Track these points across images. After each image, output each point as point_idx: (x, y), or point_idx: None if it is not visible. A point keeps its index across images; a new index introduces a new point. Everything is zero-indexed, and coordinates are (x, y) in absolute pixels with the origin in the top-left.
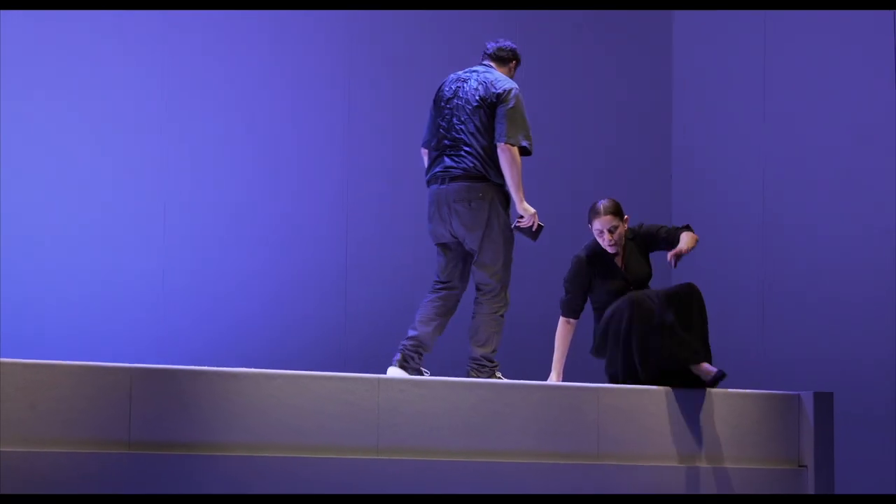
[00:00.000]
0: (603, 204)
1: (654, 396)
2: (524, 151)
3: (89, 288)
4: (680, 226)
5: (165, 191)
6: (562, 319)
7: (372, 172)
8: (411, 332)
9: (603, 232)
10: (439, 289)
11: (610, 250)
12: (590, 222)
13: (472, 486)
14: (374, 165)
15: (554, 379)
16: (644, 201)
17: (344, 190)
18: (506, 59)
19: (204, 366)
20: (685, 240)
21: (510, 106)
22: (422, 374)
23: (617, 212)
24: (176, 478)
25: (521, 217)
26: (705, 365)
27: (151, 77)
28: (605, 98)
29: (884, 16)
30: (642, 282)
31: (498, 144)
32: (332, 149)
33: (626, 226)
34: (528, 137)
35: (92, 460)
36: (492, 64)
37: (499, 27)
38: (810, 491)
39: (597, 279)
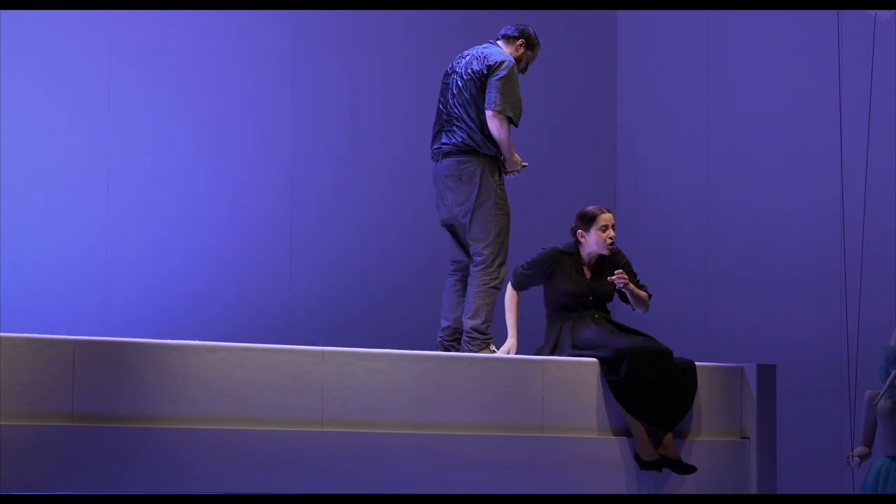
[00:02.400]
0: (598, 205)
1: (597, 369)
2: (510, 122)
3: (33, 261)
4: (642, 286)
5: (110, 165)
6: (511, 289)
7: (318, 150)
8: (444, 323)
9: (608, 227)
10: (454, 270)
11: (606, 251)
12: (588, 224)
13: (416, 459)
14: (319, 143)
15: (513, 344)
16: (589, 179)
17: (290, 165)
18: (512, 37)
19: (148, 338)
20: (636, 289)
21: (501, 75)
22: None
23: (613, 215)
24: (119, 450)
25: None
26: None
27: (97, 54)
28: (549, 75)
29: None
30: (603, 296)
31: (486, 111)
32: (278, 126)
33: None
34: (514, 110)
35: (35, 432)
36: (498, 42)
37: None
38: (753, 462)
39: (560, 276)
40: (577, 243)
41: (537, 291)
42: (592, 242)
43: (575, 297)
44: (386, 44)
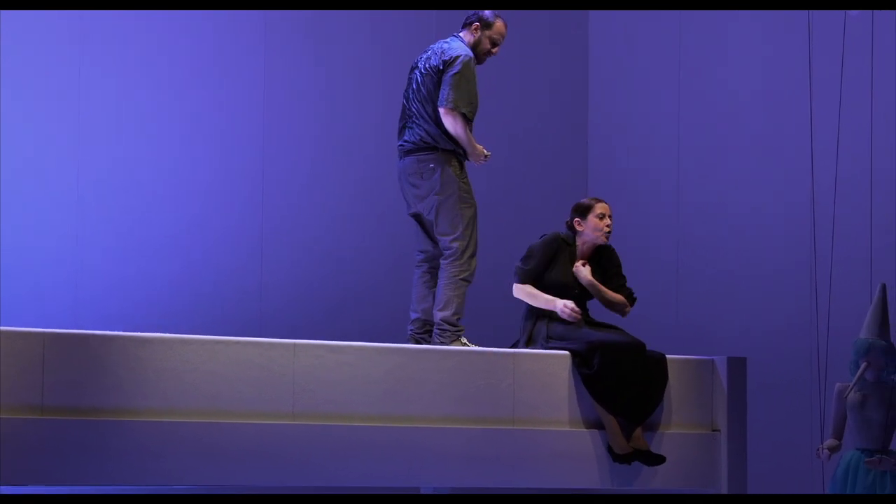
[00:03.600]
0: (595, 196)
1: (568, 362)
2: (464, 118)
3: (2, 254)
4: (626, 290)
5: (79, 158)
6: (518, 285)
7: (289, 139)
8: (413, 315)
9: (605, 216)
10: (421, 261)
11: (603, 240)
12: (586, 212)
13: (387, 452)
14: (291, 132)
15: (563, 301)
16: (561, 175)
17: (261, 156)
18: (468, 23)
19: (119, 331)
20: (602, 287)
21: (454, 71)
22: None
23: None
24: (89, 443)
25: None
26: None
27: (68, 41)
28: (521, 71)
29: None
30: (587, 293)
31: (439, 108)
32: (250, 114)
33: None
34: (468, 105)
35: (3, 425)
36: (460, 33)
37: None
38: (723, 455)
39: (556, 264)
40: (574, 235)
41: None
42: (590, 230)
43: (562, 288)
44: (358, 39)
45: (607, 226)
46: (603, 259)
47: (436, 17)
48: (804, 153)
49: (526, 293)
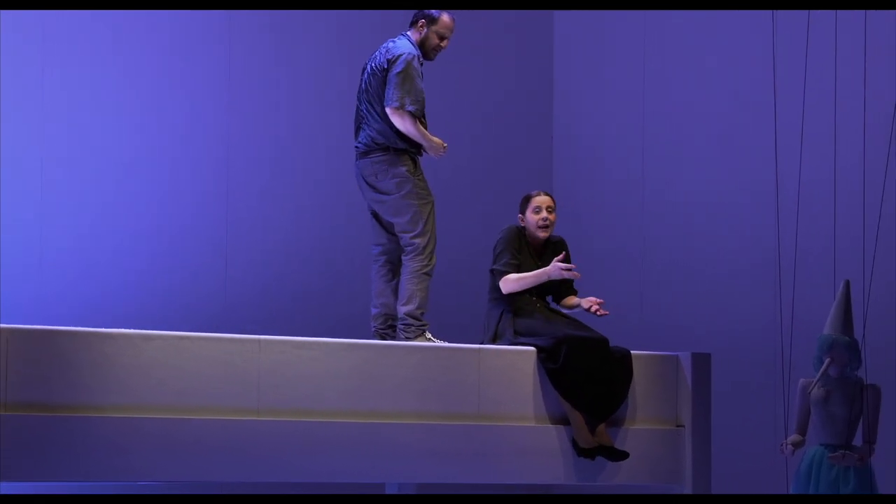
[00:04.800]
0: (539, 190)
1: (534, 358)
2: (412, 115)
3: None
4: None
5: (43, 153)
6: (503, 280)
7: (253, 140)
8: (374, 311)
9: (541, 209)
10: (378, 254)
11: (539, 233)
12: (523, 208)
13: (352, 447)
14: (255, 134)
15: (547, 268)
16: (525, 168)
17: (225, 150)
18: (414, 21)
19: (83, 327)
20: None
21: (397, 70)
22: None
23: (553, 199)
24: (54, 439)
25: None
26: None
27: (32, 38)
28: (485, 66)
29: None
30: (549, 283)
31: (386, 108)
32: (214, 107)
33: (554, 221)
34: (415, 102)
35: None
36: (408, 31)
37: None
38: (687, 450)
39: (521, 254)
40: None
41: (478, 280)
42: (530, 224)
43: None
44: (322, 36)
45: (543, 219)
46: (555, 250)
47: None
48: (768, 150)
49: (514, 280)
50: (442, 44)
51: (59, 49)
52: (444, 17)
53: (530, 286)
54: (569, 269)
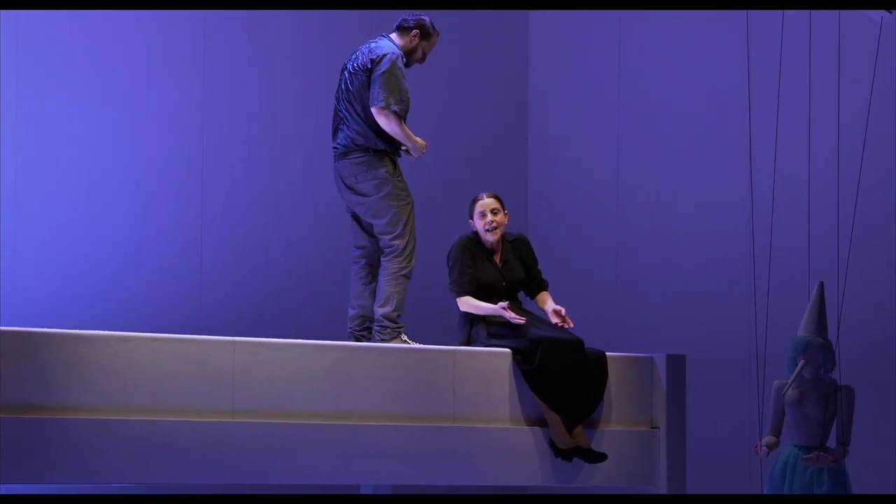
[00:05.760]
0: (485, 192)
1: (509, 359)
2: (397, 116)
3: None
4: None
5: (18, 154)
6: (460, 299)
7: (228, 140)
8: (351, 312)
9: (485, 213)
10: (358, 257)
11: (488, 237)
12: (471, 212)
13: (327, 449)
14: (229, 133)
15: (500, 305)
16: (500, 170)
17: (200, 151)
18: (406, 28)
19: (58, 328)
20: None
21: (382, 70)
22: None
23: (499, 199)
24: (29, 441)
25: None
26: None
27: (4, 37)
28: (460, 67)
29: None
30: (516, 283)
31: (371, 108)
32: (188, 109)
33: (506, 219)
34: (399, 102)
35: None
36: (393, 34)
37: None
38: (662, 452)
39: (476, 263)
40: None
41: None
42: (479, 229)
43: (488, 285)
44: (298, 35)
45: (488, 223)
46: (523, 253)
47: (379, 16)
48: (743, 153)
49: (470, 306)
50: (423, 60)
51: (33, 50)
52: (436, 37)
53: (484, 315)
54: (519, 318)
